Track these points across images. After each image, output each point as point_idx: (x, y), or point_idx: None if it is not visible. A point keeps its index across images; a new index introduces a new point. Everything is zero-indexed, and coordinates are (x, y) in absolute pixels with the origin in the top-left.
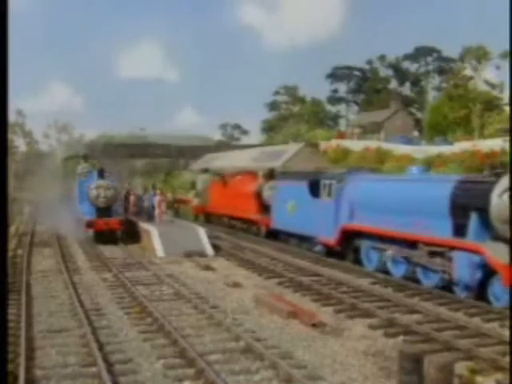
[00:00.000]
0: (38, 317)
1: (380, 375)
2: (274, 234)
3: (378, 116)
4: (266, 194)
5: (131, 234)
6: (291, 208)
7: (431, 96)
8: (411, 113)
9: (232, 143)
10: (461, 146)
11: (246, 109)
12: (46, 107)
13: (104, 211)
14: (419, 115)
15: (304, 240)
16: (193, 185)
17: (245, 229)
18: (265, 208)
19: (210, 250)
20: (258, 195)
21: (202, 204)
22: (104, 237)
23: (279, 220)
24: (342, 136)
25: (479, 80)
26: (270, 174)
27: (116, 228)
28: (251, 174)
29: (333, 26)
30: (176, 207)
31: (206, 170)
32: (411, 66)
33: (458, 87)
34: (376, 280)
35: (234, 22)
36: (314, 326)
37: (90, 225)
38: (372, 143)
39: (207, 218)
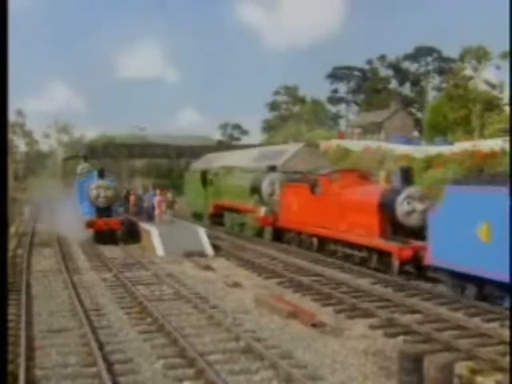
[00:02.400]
0: (38, 316)
1: (380, 375)
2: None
3: (378, 116)
4: (404, 208)
5: (131, 234)
6: (485, 233)
7: (431, 96)
8: (411, 113)
9: (232, 143)
10: (461, 146)
11: (246, 109)
12: (45, 107)
13: (104, 211)
14: (419, 115)
15: None
16: (254, 190)
17: (353, 258)
18: (399, 230)
19: (210, 250)
20: (386, 209)
21: (269, 215)
22: (104, 237)
23: (457, 253)
24: (342, 136)
25: (479, 80)
26: (406, 175)
27: (116, 228)
28: (358, 174)
29: (333, 25)
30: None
31: (272, 168)
32: (411, 66)
33: (457, 87)
34: (376, 280)
35: (235, 22)
36: (314, 325)
37: (89, 225)
38: (372, 143)
39: (277, 234)
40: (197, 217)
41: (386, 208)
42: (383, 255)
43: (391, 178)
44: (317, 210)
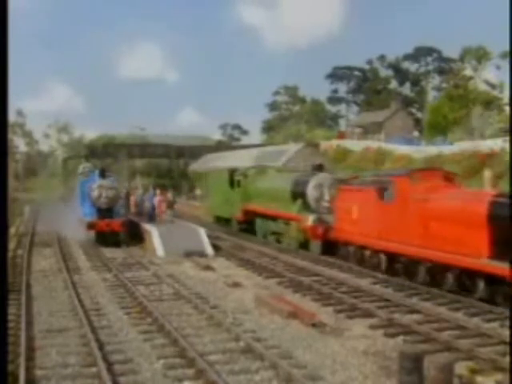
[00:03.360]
0: (38, 316)
1: (380, 375)
2: None
3: (378, 116)
4: None
5: (134, 236)
6: None
7: (431, 96)
8: (411, 113)
9: (232, 143)
10: (461, 146)
11: (246, 109)
12: (45, 107)
13: (105, 212)
14: (419, 115)
15: None
16: (296, 193)
17: (443, 283)
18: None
19: (210, 250)
20: (499, 222)
21: (318, 225)
22: (106, 238)
23: None
24: (342, 136)
25: (479, 80)
26: None
27: (118, 230)
28: (442, 174)
29: (333, 25)
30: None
31: (319, 167)
32: (411, 66)
33: (457, 87)
34: (376, 280)
35: (235, 22)
36: (314, 325)
37: (91, 226)
38: (372, 143)
39: (328, 247)
40: (221, 222)
41: (500, 220)
42: (494, 282)
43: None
44: (388, 220)
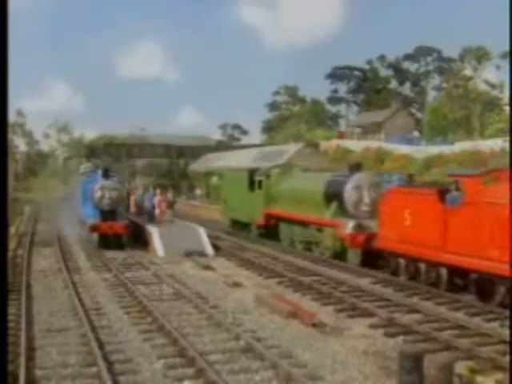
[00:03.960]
0: (38, 316)
1: (380, 375)
2: None
3: (378, 116)
4: None
5: (137, 238)
6: None
7: (431, 96)
8: (411, 113)
9: (232, 143)
10: (461, 146)
11: (246, 109)
12: (46, 107)
13: (109, 214)
14: (419, 115)
15: None
16: (331, 196)
17: None
18: None
19: (210, 250)
20: None
21: (359, 232)
22: (109, 241)
23: None
24: (342, 136)
25: (479, 80)
26: None
27: (121, 232)
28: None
29: (333, 25)
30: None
31: (357, 167)
32: (411, 66)
33: (457, 87)
34: (376, 280)
35: (235, 22)
36: (314, 325)
37: (93, 228)
38: (373, 143)
39: (370, 257)
40: (237, 226)
41: None
42: None
43: None
44: (453, 228)
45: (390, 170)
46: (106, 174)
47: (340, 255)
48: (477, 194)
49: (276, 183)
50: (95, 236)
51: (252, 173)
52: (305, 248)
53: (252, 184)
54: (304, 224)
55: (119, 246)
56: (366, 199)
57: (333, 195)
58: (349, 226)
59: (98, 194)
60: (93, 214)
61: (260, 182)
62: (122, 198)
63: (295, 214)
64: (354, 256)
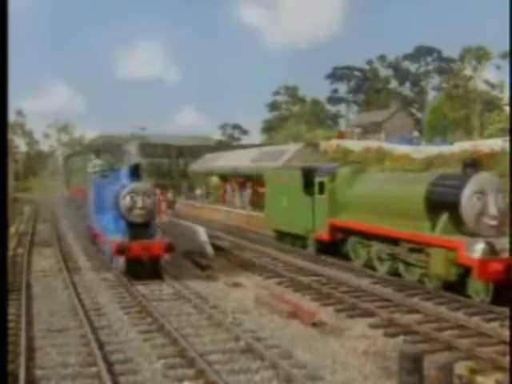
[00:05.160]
0: (38, 316)
1: (380, 375)
2: None
3: (378, 116)
4: None
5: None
6: None
7: (431, 96)
8: (411, 113)
9: (232, 143)
10: (461, 146)
11: (246, 109)
12: (46, 107)
13: (141, 229)
14: (419, 115)
15: None
16: (438, 205)
17: None
18: None
19: (210, 250)
20: None
21: (493, 258)
22: (140, 267)
23: None
24: (342, 136)
25: (479, 80)
26: None
27: (161, 254)
28: None
29: (333, 25)
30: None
31: (472, 165)
32: (411, 66)
33: (457, 87)
34: (376, 280)
35: (235, 22)
36: (314, 325)
37: (120, 250)
38: (373, 143)
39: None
40: (286, 239)
41: None
42: None
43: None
44: None
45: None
46: (137, 174)
47: (455, 286)
48: None
49: (345, 186)
50: (120, 261)
51: (308, 173)
52: (391, 271)
53: (308, 186)
54: (390, 240)
55: (156, 274)
56: (493, 210)
57: (441, 204)
58: (477, 248)
59: (127, 200)
60: (115, 229)
61: (321, 184)
62: (157, 206)
63: (376, 227)
64: (480, 289)
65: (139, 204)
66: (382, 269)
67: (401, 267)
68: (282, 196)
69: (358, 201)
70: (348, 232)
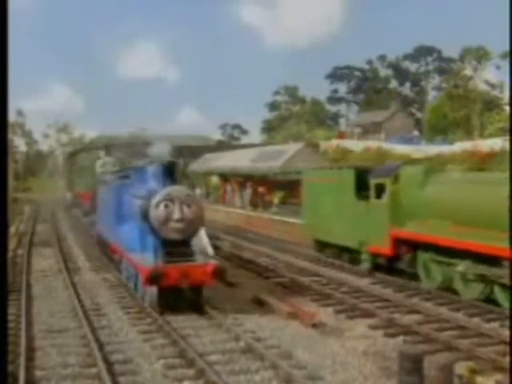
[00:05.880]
0: (38, 316)
1: (380, 375)
2: None
3: (378, 116)
4: None
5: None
6: None
7: (431, 96)
8: (411, 113)
9: (232, 143)
10: (461, 145)
11: (246, 109)
12: (45, 107)
13: (179, 247)
14: (419, 115)
15: None
16: None
17: None
18: None
19: (210, 250)
20: None
21: None
22: (175, 297)
23: None
24: (342, 136)
25: (479, 80)
26: None
27: (206, 281)
28: None
29: (333, 25)
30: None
31: None
32: (411, 66)
33: (458, 87)
34: (376, 280)
35: (234, 22)
36: (314, 326)
37: (153, 278)
38: (373, 143)
39: None
40: (331, 252)
41: None
42: None
43: None
44: None
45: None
46: (171, 175)
47: None
48: None
49: (415, 189)
50: (152, 291)
51: (362, 173)
52: (481, 297)
53: (362, 189)
54: (483, 258)
55: (196, 307)
56: None
57: None
58: None
59: (160, 211)
60: (142, 246)
61: (380, 186)
62: (202, 218)
63: (465, 241)
64: None
65: (176, 215)
66: (469, 293)
67: (498, 292)
68: (327, 200)
69: (433, 207)
70: (417, 246)
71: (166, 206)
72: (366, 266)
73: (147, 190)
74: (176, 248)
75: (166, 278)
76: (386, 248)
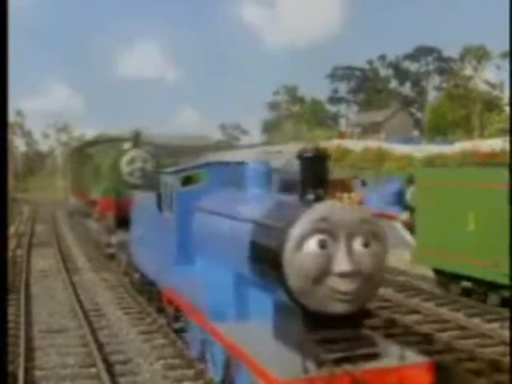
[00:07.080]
0: (37, 317)
1: None
2: None
3: (379, 116)
4: None
5: None
6: None
7: (431, 96)
8: (411, 113)
9: (232, 143)
10: (461, 145)
11: (246, 109)
12: (45, 107)
13: (341, 329)
14: (419, 115)
15: None
16: None
17: None
18: None
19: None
20: None
21: None
22: None
23: None
24: (342, 136)
25: (479, 80)
26: None
27: None
28: None
29: (333, 25)
30: None
31: None
32: (411, 66)
33: (458, 87)
34: None
35: (234, 22)
36: None
37: None
38: (373, 143)
39: None
40: (461, 286)
41: None
42: None
43: None
44: None
45: (391, 170)
46: (321, 188)
47: None
48: None
49: None
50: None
51: None
52: None
53: None
54: None
55: None
56: None
57: None
58: None
59: (311, 255)
60: (241, 308)
61: None
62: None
63: None
64: None
65: (342, 265)
66: None
67: None
68: (460, 213)
69: None
70: None
71: (322, 246)
72: None
73: (267, 206)
74: (336, 330)
75: None
76: None
